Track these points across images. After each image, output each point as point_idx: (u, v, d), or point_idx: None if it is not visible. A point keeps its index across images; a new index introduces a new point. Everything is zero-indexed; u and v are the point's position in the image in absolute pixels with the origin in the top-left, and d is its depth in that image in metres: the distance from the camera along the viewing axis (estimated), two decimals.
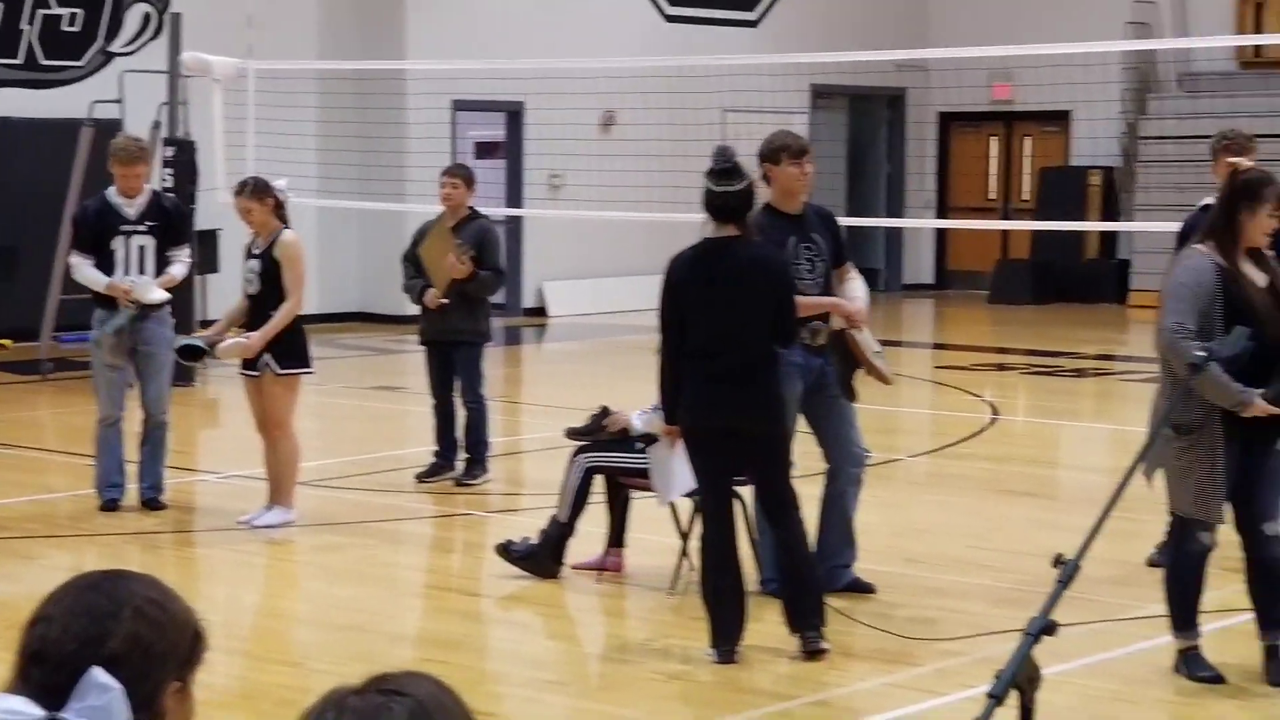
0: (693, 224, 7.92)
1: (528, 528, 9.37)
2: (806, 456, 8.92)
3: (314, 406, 13.97)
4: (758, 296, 7.61)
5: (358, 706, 2.31)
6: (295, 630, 8.62)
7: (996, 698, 4.40)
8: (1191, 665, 7.30)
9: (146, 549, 10.01)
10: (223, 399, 15.72)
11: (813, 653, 7.63)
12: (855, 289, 8.76)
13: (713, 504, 7.74)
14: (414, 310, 11.93)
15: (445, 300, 11.37)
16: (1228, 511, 7.20)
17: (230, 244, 16.43)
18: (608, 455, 9.00)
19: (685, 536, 8.71)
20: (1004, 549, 9.68)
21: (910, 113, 27.13)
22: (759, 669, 7.59)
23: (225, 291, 13.94)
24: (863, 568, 8.82)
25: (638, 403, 9.16)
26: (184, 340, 10.65)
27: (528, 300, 23.36)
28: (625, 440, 9.01)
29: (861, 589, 8.71)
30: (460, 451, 11.64)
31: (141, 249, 10.63)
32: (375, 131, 21.12)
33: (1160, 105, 25.24)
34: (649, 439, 8.69)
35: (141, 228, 10.63)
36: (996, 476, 12.34)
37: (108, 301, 10.60)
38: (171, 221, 10.86)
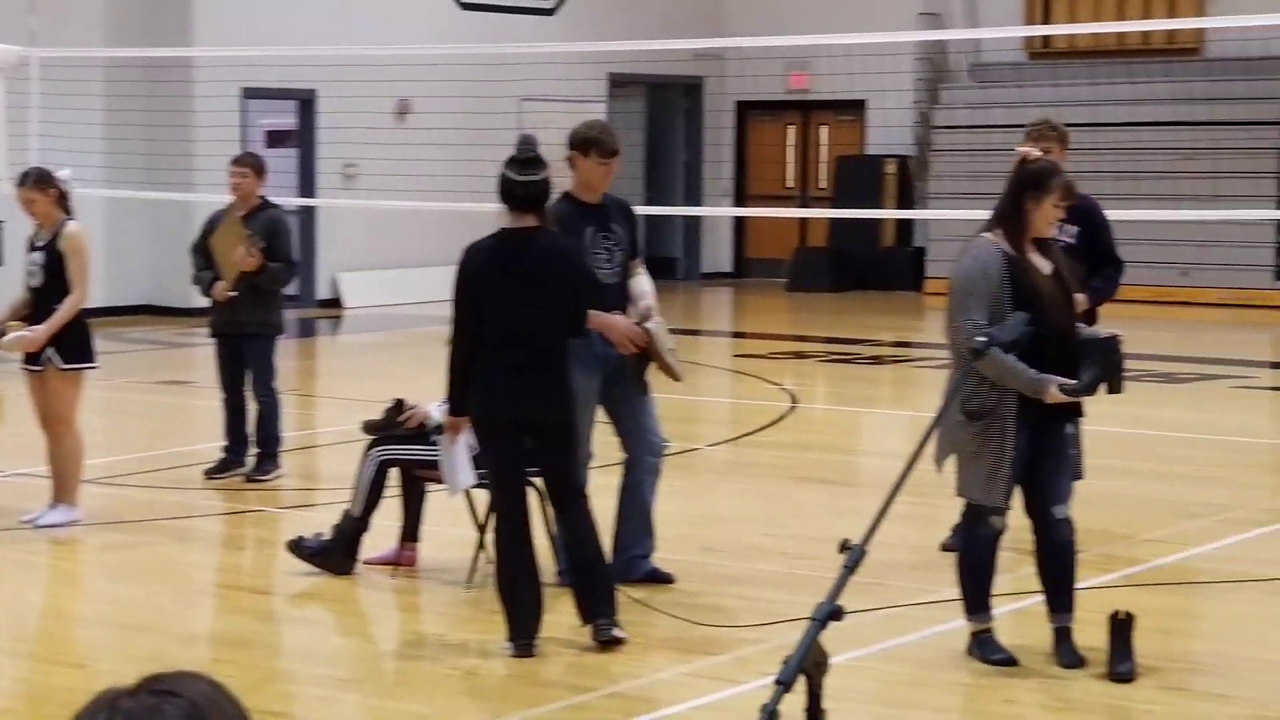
0: (490, 214, 7.81)
1: (321, 523, 9.21)
2: (605, 446, 8.85)
3: (100, 402, 13.65)
4: (557, 288, 7.55)
5: (129, 708, 2.21)
6: (81, 631, 8.39)
7: (784, 684, 4.37)
8: (984, 648, 7.36)
9: None
10: (5, 394, 15.31)
11: (605, 642, 7.58)
12: (642, 284, 8.74)
13: (506, 496, 7.65)
14: (204, 303, 11.70)
15: (234, 293, 11.18)
16: (1017, 495, 7.25)
17: (14, 236, 16.01)
18: (402, 448, 8.88)
19: (482, 529, 8.62)
20: (802, 536, 9.70)
21: (708, 101, 27.21)
22: (556, 662, 7.51)
23: (8, 284, 13.58)
24: (661, 557, 8.78)
25: (436, 395, 9.03)
26: None
27: (322, 292, 23.08)
28: (420, 433, 8.88)
29: (660, 579, 8.67)
30: (251, 447, 11.44)
31: None
32: (163, 120, 20.73)
33: (952, 95, 25.56)
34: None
35: None
36: (795, 464, 12.38)
37: None
38: None
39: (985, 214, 7.45)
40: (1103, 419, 10.18)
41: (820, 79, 25.27)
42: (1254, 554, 9.48)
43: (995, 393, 7.07)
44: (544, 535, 8.46)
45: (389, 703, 7.20)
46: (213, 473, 11.40)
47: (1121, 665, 7.16)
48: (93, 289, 10.29)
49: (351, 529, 8.89)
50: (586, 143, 8.43)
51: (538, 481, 7.96)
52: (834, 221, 25.46)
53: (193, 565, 9.57)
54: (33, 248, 10.11)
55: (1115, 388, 7.07)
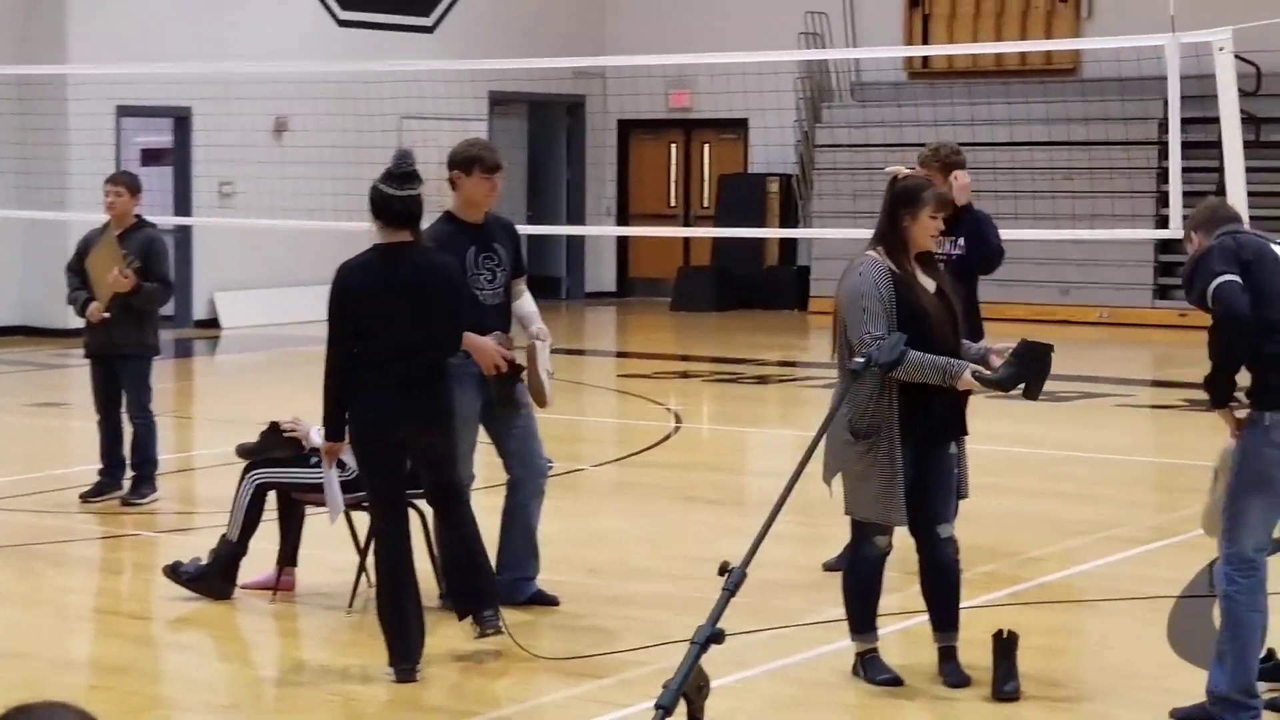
0: (366, 232, 7.70)
1: (199, 548, 9.06)
2: (489, 468, 8.75)
3: None
4: (438, 303, 7.48)
5: None
6: None
7: (664, 709, 4.32)
8: (870, 668, 7.34)
9: None
10: None
11: (488, 632, 7.60)
12: (528, 305, 8.70)
13: (388, 519, 7.54)
14: (79, 323, 11.51)
15: (107, 314, 11.02)
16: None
17: None
18: (280, 471, 8.75)
19: (363, 553, 8.51)
20: (687, 556, 9.65)
21: (590, 120, 27.20)
22: (439, 686, 7.41)
23: None
24: (545, 578, 8.70)
25: (316, 416, 8.90)
26: None
27: (198, 312, 22.83)
28: (299, 455, 8.74)
29: (545, 601, 8.59)
30: (127, 469, 11.25)
31: None
32: (36, 138, 20.45)
33: (833, 114, 25.68)
34: None
35: None
36: (680, 484, 12.34)
37: None
38: None
39: (868, 233, 7.44)
40: (987, 438, 10.23)
41: (702, 98, 25.32)
42: (1137, 571, 9.52)
43: (881, 411, 7.06)
44: (426, 559, 8.37)
45: None
46: (88, 496, 11.21)
47: (1006, 684, 7.14)
48: None
49: (229, 553, 8.76)
50: (469, 160, 8.36)
51: (420, 504, 7.87)
52: (718, 240, 25.49)
53: (69, 590, 9.37)
54: None
55: (1032, 393, 7.04)
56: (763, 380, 18.56)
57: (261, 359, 20.32)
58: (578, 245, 27.43)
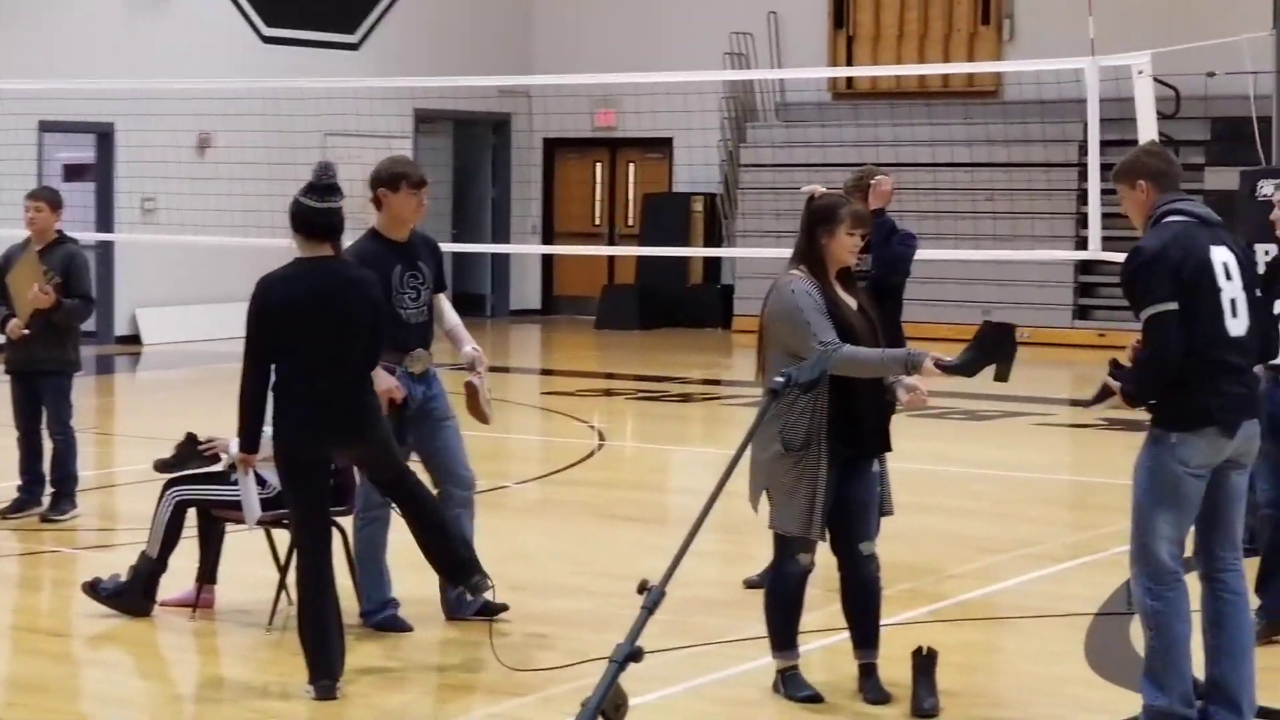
0: (292, 249, 7.68)
1: (118, 564, 9.00)
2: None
3: None
4: (356, 318, 7.48)
5: None
6: None
7: None
8: (790, 685, 7.36)
9: None
10: None
11: (479, 598, 7.77)
12: (452, 318, 8.74)
13: (310, 535, 7.53)
14: None
15: (27, 330, 10.96)
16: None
17: None
18: (200, 488, 8.70)
19: (283, 570, 8.48)
20: (610, 574, 9.66)
21: (515, 138, 27.18)
22: (360, 705, 7.39)
23: None
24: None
25: (235, 433, 8.87)
26: None
27: (120, 328, 22.68)
28: (220, 472, 8.70)
29: (494, 610, 8.57)
30: (47, 486, 11.17)
31: None
32: None
33: (758, 134, 25.77)
34: None
35: None
36: (604, 502, 12.35)
37: None
38: None
39: (791, 252, 7.48)
40: (908, 456, 10.25)
41: (628, 117, 25.35)
42: (1055, 589, 9.59)
43: (810, 426, 7.10)
44: (346, 577, 8.35)
45: None
46: (7, 512, 11.13)
47: (925, 701, 7.19)
48: None
49: (149, 570, 8.71)
50: (397, 177, 8.36)
51: (341, 521, 7.86)
52: (642, 259, 25.51)
53: None
54: None
55: (1002, 375, 7.06)
56: (686, 398, 18.59)
57: (184, 375, 20.21)
58: (502, 263, 27.40)
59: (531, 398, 18.68)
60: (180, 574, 8.79)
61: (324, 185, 7.47)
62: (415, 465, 8.51)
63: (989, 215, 22.76)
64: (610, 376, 20.76)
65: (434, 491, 8.27)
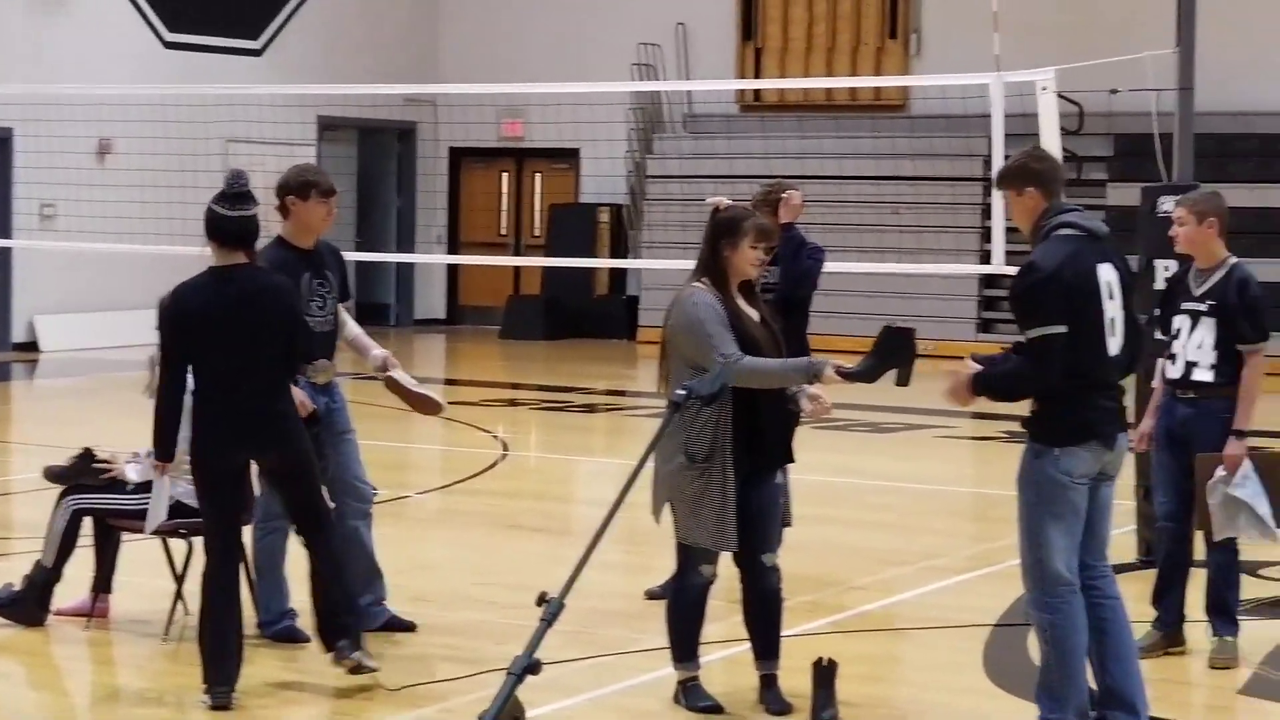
0: (195, 257, 7.62)
1: (13, 573, 8.88)
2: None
3: None
4: (273, 325, 7.45)
5: None
6: None
7: None
8: (691, 696, 7.35)
9: None
10: None
11: (352, 669, 7.52)
12: (354, 327, 8.69)
13: (219, 541, 7.48)
14: None
15: None
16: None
17: None
18: (97, 497, 8.59)
19: (179, 580, 8.40)
20: (513, 585, 9.61)
21: (421, 147, 27.06)
22: (257, 715, 7.32)
23: None
24: None
25: (135, 441, 8.78)
26: None
27: (18, 335, 22.42)
28: (115, 482, 8.60)
29: (400, 626, 8.54)
30: None
31: None
32: None
33: (665, 145, 25.79)
34: (145, 486, 8.34)
35: None
36: (507, 512, 12.30)
37: None
38: None
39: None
40: (810, 468, 10.28)
41: (534, 127, 25.31)
42: (955, 600, 9.63)
43: (719, 436, 7.09)
44: (244, 587, 8.26)
45: None
46: None
47: (825, 711, 7.19)
48: None
49: (43, 579, 8.59)
50: (306, 185, 8.29)
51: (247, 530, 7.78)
52: (548, 269, 25.47)
53: None
54: None
55: (903, 380, 7.07)
56: (590, 409, 18.56)
57: (82, 383, 19.98)
58: (407, 272, 27.28)
59: None
60: (75, 583, 8.67)
61: (235, 193, 7.44)
62: None
63: (895, 229, 22.87)
64: (515, 387, 20.71)
65: (331, 505, 8.22)
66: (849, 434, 15.41)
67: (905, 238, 22.69)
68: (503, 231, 27.64)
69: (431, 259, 26.19)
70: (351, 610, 7.70)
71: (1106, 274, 6.76)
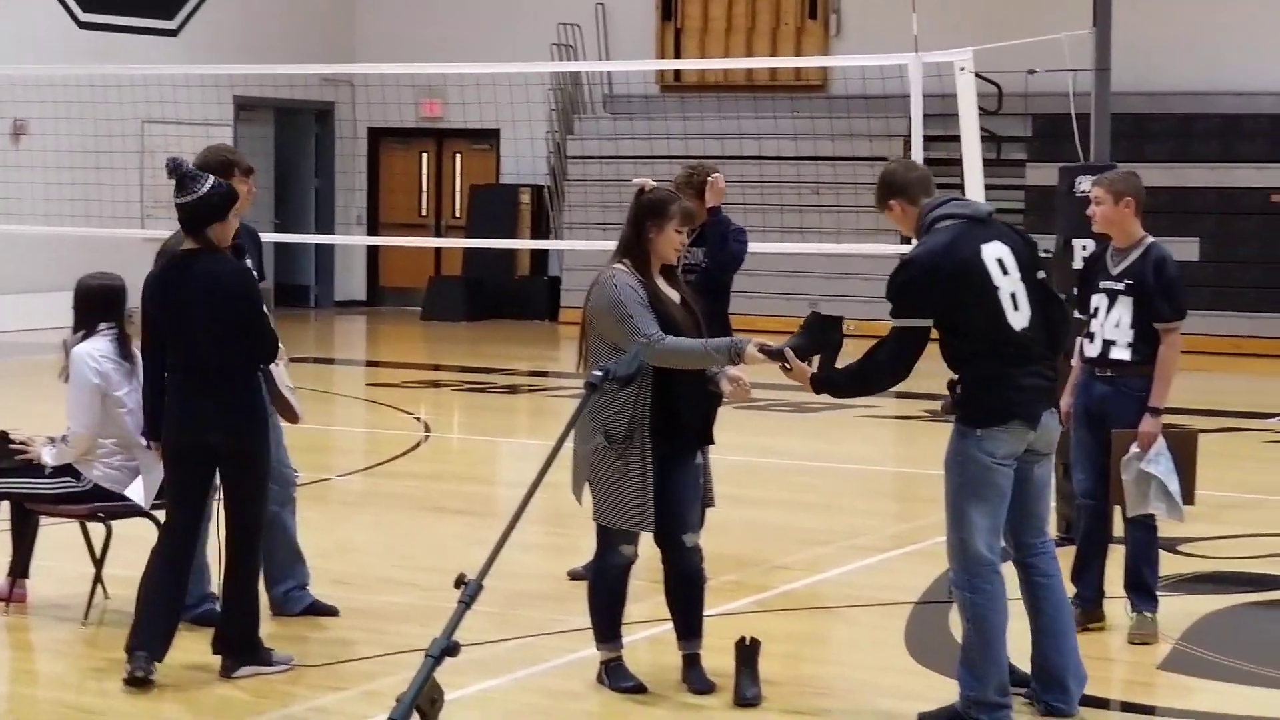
0: (108, 238, 7.58)
1: None
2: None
3: None
4: (216, 312, 7.43)
5: None
6: None
7: None
8: (614, 676, 7.36)
9: None
10: None
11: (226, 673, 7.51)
12: None
13: (174, 519, 7.56)
14: None
15: None
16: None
17: None
18: (14, 482, 8.50)
19: (98, 564, 8.34)
20: (435, 567, 9.58)
21: (339, 128, 26.94)
22: (179, 699, 7.30)
23: None
24: None
25: (50, 425, 8.71)
26: None
27: None
28: (33, 465, 8.52)
29: (322, 611, 8.50)
30: None
31: None
32: None
33: (585, 125, 25.76)
34: (63, 470, 8.33)
35: None
36: (429, 494, 12.27)
37: None
38: None
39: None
40: (733, 448, 10.31)
41: (454, 107, 25.22)
42: (877, 579, 9.67)
43: (633, 418, 7.09)
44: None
45: None
46: None
47: (748, 690, 7.21)
48: None
49: None
50: (227, 165, 8.22)
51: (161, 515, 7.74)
52: (469, 250, 25.42)
53: None
54: None
55: (824, 369, 7.11)
56: (513, 390, 18.54)
57: None
58: (327, 254, 27.16)
59: (356, 389, 18.53)
60: None
61: (177, 180, 7.46)
62: None
63: (815, 208, 22.93)
64: (436, 368, 20.66)
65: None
66: (772, 414, 15.45)
67: (826, 218, 22.75)
68: (423, 212, 27.55)
69: (351, 240, 26.08)
70: (240, 634, 7.60)
71: (994, 251, 6.83)
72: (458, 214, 27.09)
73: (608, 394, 7.02)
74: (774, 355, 7.01)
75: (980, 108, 13.95)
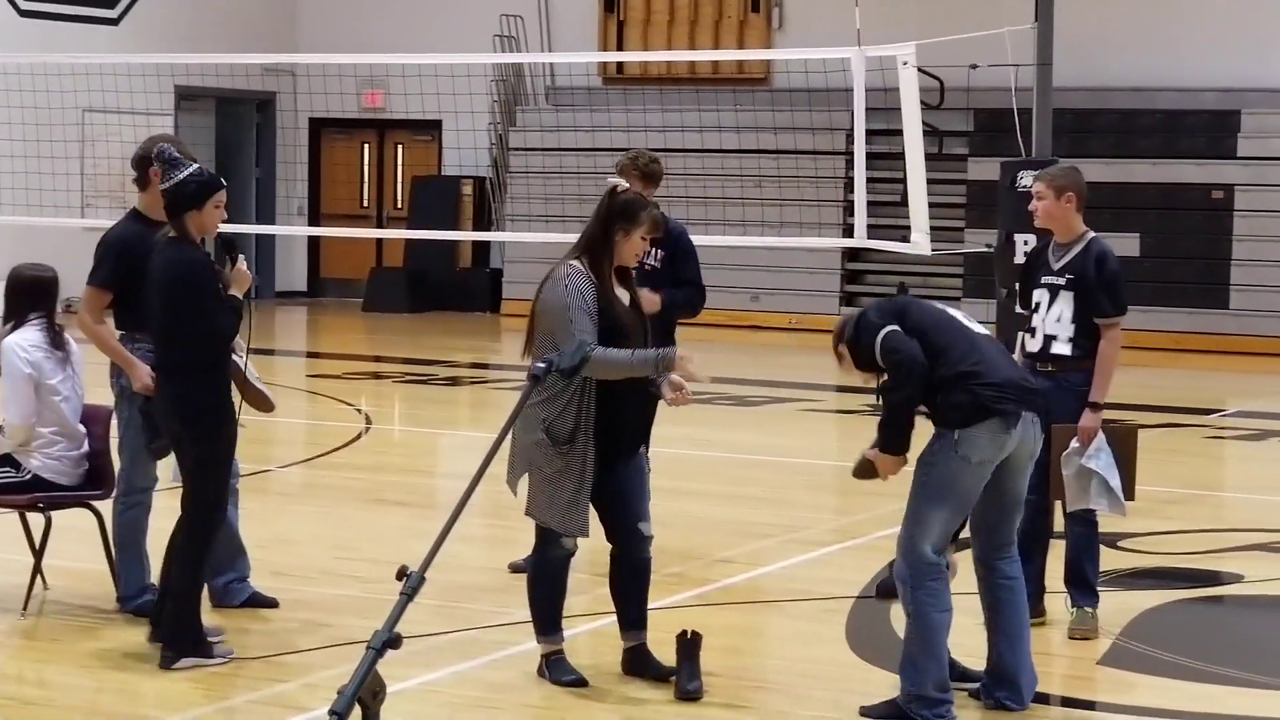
0: (49, 227, 7.55)
1: None
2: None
3: None
4: (161, 299, 7.48)
5: None
6: None
7: (338, 714, 4.27)
8: (555, 670, 7.35)
9: None
10: None
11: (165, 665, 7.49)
12: None
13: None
14: None
15: None
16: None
17: None
18: None
19: (38, 555, 8.29)
20: (376, 559, 9.57)
21: (280, 118, 26.81)
22: (118, 691, 7.27)
23: None
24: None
25: None
26: None
27: None
28: None
29: (262, 603, 8.47)
30: None
31: None
32: None
33: (528, 117, 25.73)
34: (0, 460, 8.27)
35: None
36: (371, 486, 12.23)
37: None
38: None
39: (561, 236, 7.46)
40: (675, 442, 10.32)
41: (395, 98, 25.15)
42: (818, 573, 9.69)
43: (582, 417, 7.09)
44: (103, 562, 8.19)
45: None
46: None
47: (690, 684, 7.21)
48: None
49: None
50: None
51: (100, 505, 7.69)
52: (411, 242, 25.35)
53: None
54: None
55: None
56: (454, 382, 18.50)
57: None
58: (268, 244, 27.04)
59: (297, 380, 18.45)
60: None
61: (162, 166, 7.53)
62: None
63: (758, 202, 22.96)
64: (378, 360, 20.61)
65: None
66: (713, 408, 15.46)
67: (768, 211, 22.79)
68: (364, 203, 27.46)
69: (292, 231, 25.97)
70: (173, 615, 7.57)
71: None
72: (399, 205, 27.02)
73: (553, 391, 7.01)
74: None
75: (922, 102, 13.99)
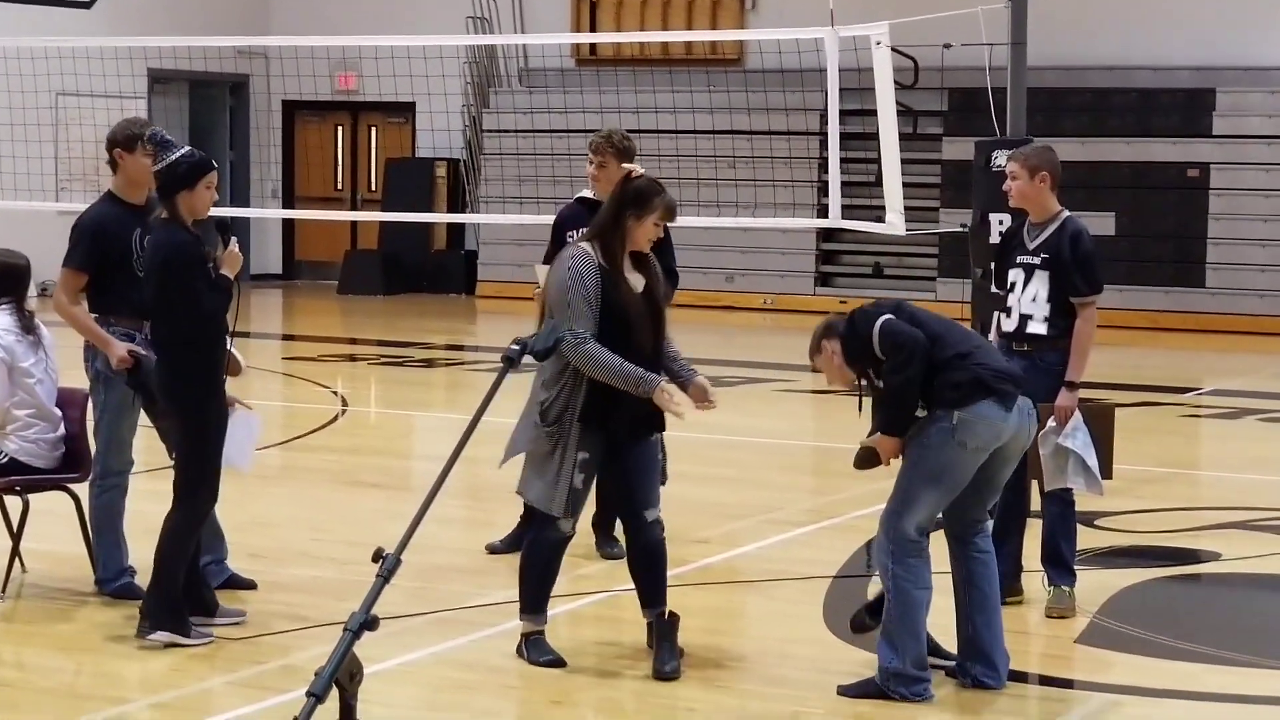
0: (22, 210, 7.53)
1: None
2: (149, 452, 8.56)
3: None
4: (150, 278, 7.54)
5: None
6: None
7: (316, 696, 4.28)
8: (533, 650, 7.37)
9: None
10: None
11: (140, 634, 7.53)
12: None
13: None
14: None
15: None
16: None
17: None
18: None
19: (16, 537, 8.28)
20: (352, 541, 9.56)
21: (254, 100, 26.76)
22: (95, 673, 7.28)
23: None
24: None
25: None
26: None
27: None
28: None
29: (240, 584, 8.47)
30: None
31: None
32: None
33: (501, 99, 25.70)
34: None
35: None
36: (346, 468, 12.23)
37: None
38: None
39: (535, 218, 7.46)
40: None
41: (369, 80, 25.07)
42: (794, 553, 9.71)
43: (573, 402, 7.13)
44: (81, 545, 8.18)
45: None
46: None
47: (667, 664, 7.23)
48: None
49: None
50: (133, 138, 8.18)
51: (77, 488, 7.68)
52: (385, 224, 25.32)
53: None
54: None
55: None
56: (429, 364, 18.49)
57: None
58: (242, 227, 26.92)
59: (273, 363, 18.42)
60: None
61: (154, 148, 7.53)
62: (148, 428, 8.35)
63: (731, 183, 22.95)
64: (353, 342, 20.58)
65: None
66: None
67: (742, 192, 22.78)
68: (339, 186, 27.42)
69: (267, 213, 25.92)
70: (153, 592, 7.59)
71: None
72: (373, 188, 26.98)
73: (553, 370, 7.04)
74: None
75: (896, 82, 13.98)
